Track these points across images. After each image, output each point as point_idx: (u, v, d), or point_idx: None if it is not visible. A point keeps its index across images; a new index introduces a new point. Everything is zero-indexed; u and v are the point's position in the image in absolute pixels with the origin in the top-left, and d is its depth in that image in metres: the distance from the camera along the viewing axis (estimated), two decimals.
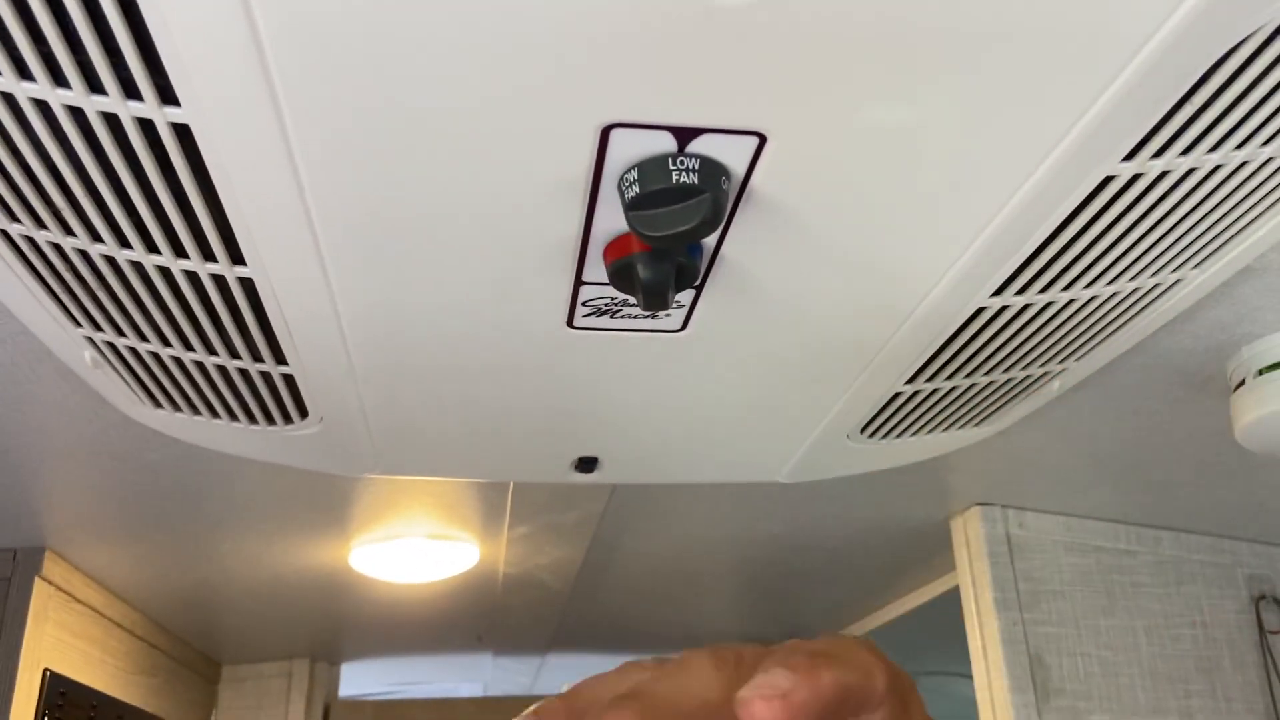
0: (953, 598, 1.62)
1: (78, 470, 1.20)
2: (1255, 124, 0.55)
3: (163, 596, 1.80)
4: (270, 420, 0.91)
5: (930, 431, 1.03)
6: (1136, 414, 1.11)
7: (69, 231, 0.63)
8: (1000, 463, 1.31)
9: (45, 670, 1.46)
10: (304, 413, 0.89)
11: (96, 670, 1.66)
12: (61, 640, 1.53)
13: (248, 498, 1.34)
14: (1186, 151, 0.56)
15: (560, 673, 2.91)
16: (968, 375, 0.87)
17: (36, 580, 1.44)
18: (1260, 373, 0.91)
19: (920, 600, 1.88)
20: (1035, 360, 0.86)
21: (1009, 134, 0.50)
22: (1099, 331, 0.82)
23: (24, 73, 0.49)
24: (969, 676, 1.46)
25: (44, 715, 1.45)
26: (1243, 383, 0.94)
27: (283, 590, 1.82)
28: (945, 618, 1.93)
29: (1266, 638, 1.44)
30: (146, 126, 0.52)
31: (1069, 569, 1.43)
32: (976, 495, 1.44)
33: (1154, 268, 0.71)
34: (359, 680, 2.84)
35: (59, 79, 0.49)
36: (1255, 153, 0.58)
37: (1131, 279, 0.72)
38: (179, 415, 0.93)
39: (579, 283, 0.65)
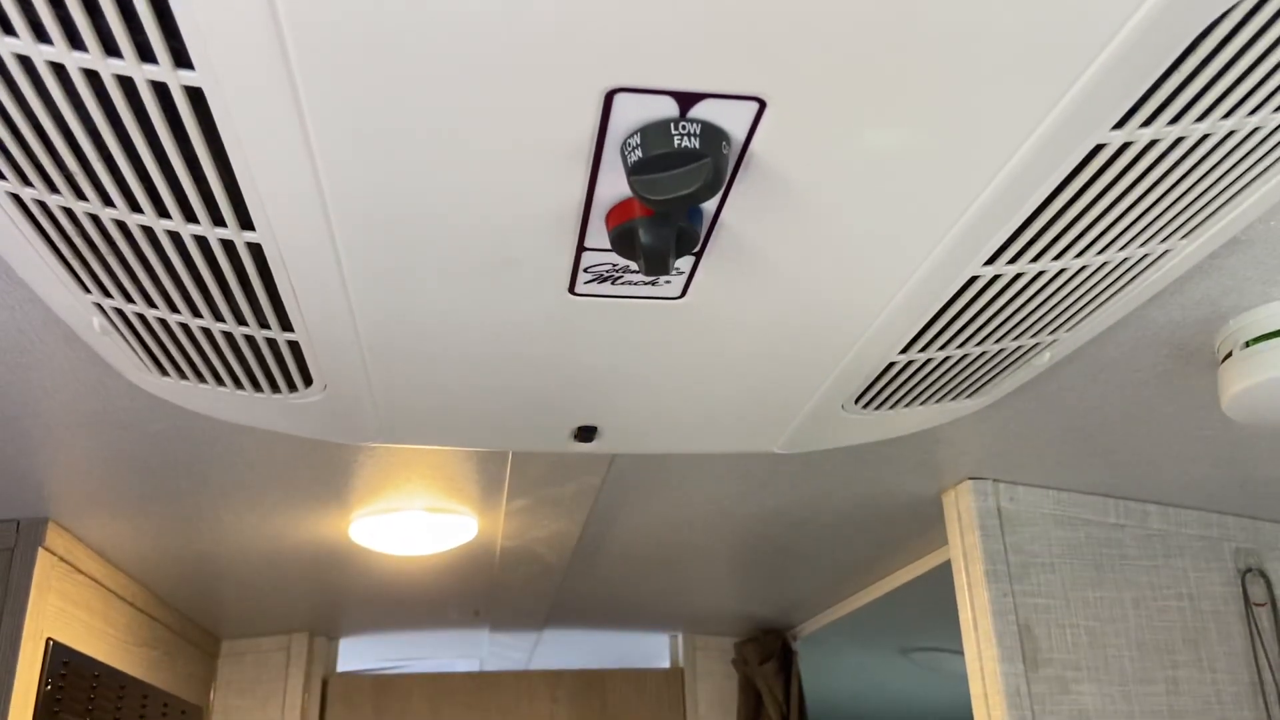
0: (944, 574, 1.64)
1: (82, 441, 1.21)
2: (1242, 93, 0.56)
3: (163, 569, 1.81)
4: (275, 388, 0.93)
5: (924, 402, 1.05)
6: (1125, 387, 1.12)
7: (80, 195, 0.64)
8: (991, 437, 1.33)
9: (48, 640, 1.48)
10: (308, 380, 0.90)
11: (98, 641, 1.68)
12: (64, 610, 1.55)
13: (249, 470, 1.36)
14: (1175, 120, 0.58)
15: (556, 648, 2.94)
16: (960, 345, 0.89)
17: (40, 551, 1.46)
18: (1247, 344, 0.93)
19: (913, 574, 1.91)
20: (1027, 330, 0.87)
21: (1000, 102, 0.52)
22: (1089, 302, 0.83)
23: (41, 36, 0.50)
24: (960, 652, 1.48)
25: (47, 684, 1.47)
26: (1230, 354, 0.95)
27: (283, 564, 1.83)
28: (937, 593, 1.95)
29: (1252, 610, 1.47)
30: (160, 90, 0.53)
31: (1058, 542, 1.45)
32: (968, 469, 1.46)
33: (1143, 237, 0.73)
34: (357, 655, 2.87)
35: (75, 42, 0.50)
36: (1242, 122, 0.59)
37: (1121, 249, 0.74)
38: (184, 383, 0.95)
39: (581, 249, 0.66)
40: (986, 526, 1.44)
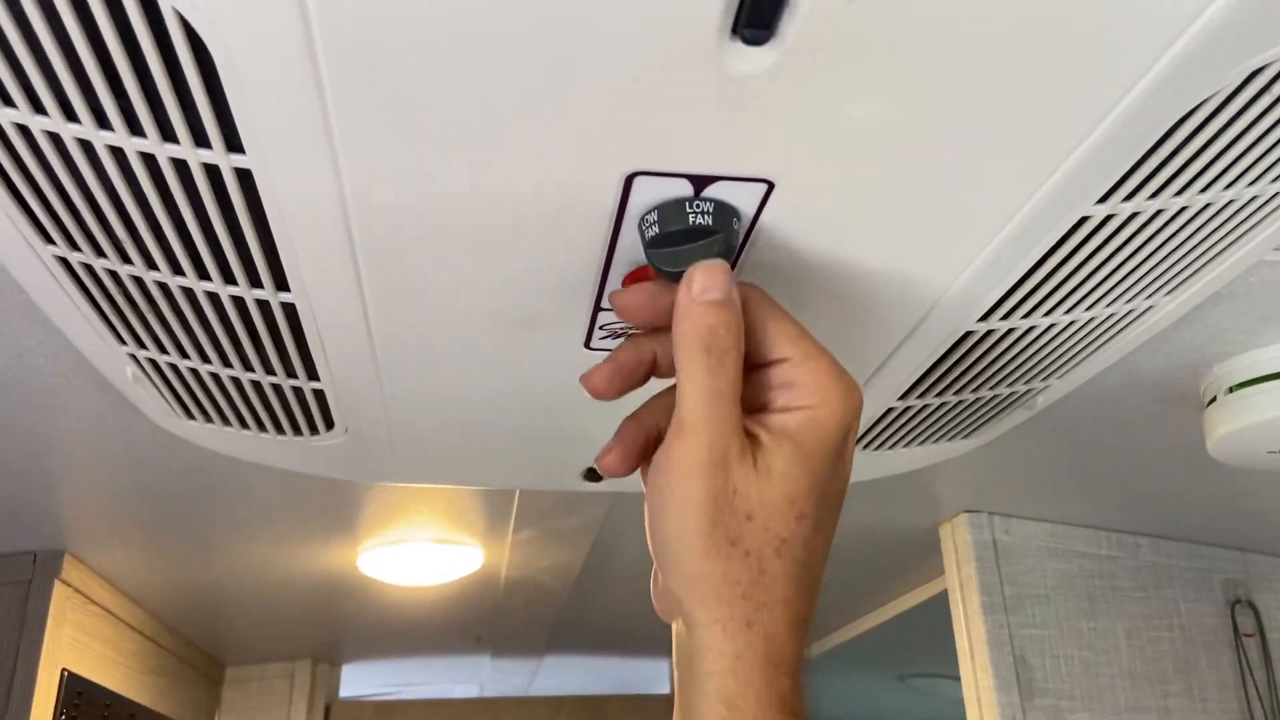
0: (941, 602, 1.67)
1: (102, 477, 1.25)
2: (1217, 170, 0.61)
3: (173, 598, 1.85)
4: (297, 431, 0.96)
5: (921, 444, 1.09)
6: (1115, 427, 1.16)
7: (126, 259, 0.68)
8: (987, 472, 1.36)
9: (63, 670, 1.51)
10: (330, 424, 0.94)
11: (109, 670, 1.71)
12: (78, 641, 1.58)
13: (263, 504, 1.39)
14: (1155, 195, 0.62)
15: (556, 674, 2.96)
16: (956, 392, 0.93)
17: (56, 583, 1.49)
18: (1231, 390, 0.97)
19: (910, 603, 1.94)
20: (1019, 378, 0.91)
21: (994, 186, 0.56)
22: (1079, 352, 0.87)
23: (103, 123, 0.54)
24: (956, 678, 1.52)
25: (62, 714, 1.49)
26: (1215, 399, 0.99)
27: (291, 593, 1.87)
28: (934, 621, 1.99)
29: (1241, 640, 1.50)
30: (210, 170, 0.57)
31: (1052, 574, 1.49)
32: (964, 503, 1.50)
33: (1128, 295, 0.77)
34: (358, 681, 2.89)
35: (135, 129, 0.54)
36: (1218, 195, 0.64)
37: (1108, 305, 0.78)
38: (210, 426, 0.98)
39: (597, 309, 0.70)
40: (982, 559, 1.47)
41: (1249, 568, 1.55)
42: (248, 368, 0.83)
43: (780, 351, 0.55)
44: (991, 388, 0.93)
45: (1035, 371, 0.90)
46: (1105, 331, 0.84)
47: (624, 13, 0.43)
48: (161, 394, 0.92)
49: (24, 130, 0.55)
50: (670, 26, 0.44)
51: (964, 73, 0.47)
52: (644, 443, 0.59)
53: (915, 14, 0.43)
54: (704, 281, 0.53)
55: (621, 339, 0.75)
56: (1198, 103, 0.52)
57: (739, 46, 0.45)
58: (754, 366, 0.55)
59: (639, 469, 0.60)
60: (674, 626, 0.57)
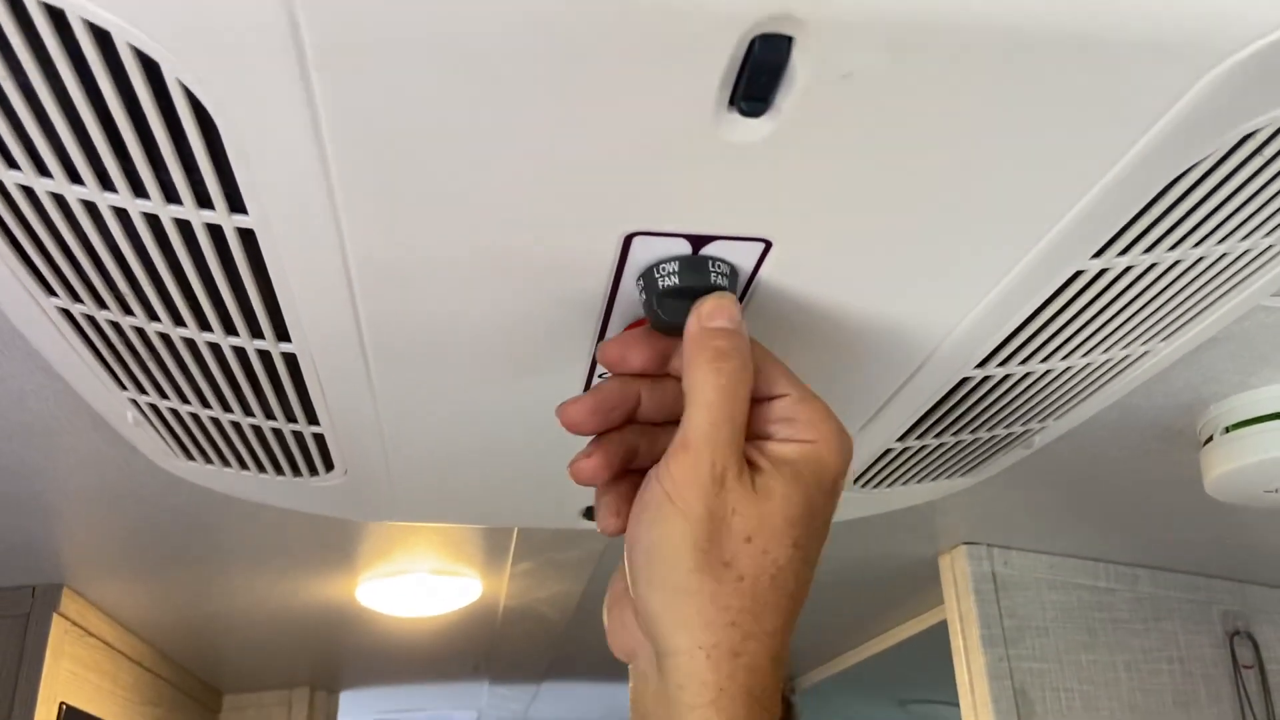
0: (942, 630, 1.67)
1: (101, 513, 1.25)
2: (1211, 226, 0.61)
3: (171, 629, 1.84)
4: (297, 472, 0.97)
5: (920, 481, 1.09)
6: (1113, 464, 1.17)
7: (128, 311, 0.68)
8: (986, 505, 1.37)
9: (61, 704, 1.50)
10: (330, 466, 0.94)
11: (106, 702, 1.70)
12: (75, 674, 1.57)
13: (262, 537, 1.39)
14: (1150, 250, 0.63)
15: (555, 700, 2.95)
16: (954, 434, 0.93)
17: (54, 616, 1.49)
18: (1228, 430, 0.98)
19: (910, 632, 1.94)
20: (1016, 420, 0.92)
21: (988, 245, 0.57)
22: (1075, 395, 0.88)
23: (106, 184, 0.55)
24: (956, 704, 1.51)
25: None
26: (1211, 438, 1.00)
27: (289, 623, 1.86)
28: (934, 649, 1.98)
29: (1240, 672, 1.50)
30: (213, 229, 0.58)
31: (1052, 606, 1.49)
32: (964, 534, 1.50)
33: (1124, 342, 0.77)
34: (357, 707, 2.88)
35: (138, 190, 0.55)
36: (1211, 249, 0.64)
37: (1104, 352, 0.78)
38: (209, 467, 0.98)
39: (595, 364, 0.71)
40: (981, 591, 1.47)
41: (1247, 599, 1.55)
42: (248, 413, 0.83)
43: (780, 388, 0.56)
44: (989, 429, 0.93)
45: (1032, 414, 0.91)
46: (1102, 376, 0.84)
47: (623, 84, 0.44)
48: (161, 436, 0.92)
49: (28, 190, 0.56)
50: (668, 98, 0.45)
51: (958, 142, 0.48)
52: (623, 456, 0.59)
53: (910, 87, 0.44)
54: (714, 308, 0.54)
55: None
56: (1191, 164, 0.53)
57: (736, 118, 0.46)
58: (753, 400, 0.55)
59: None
60: (632, 669, 0.56)
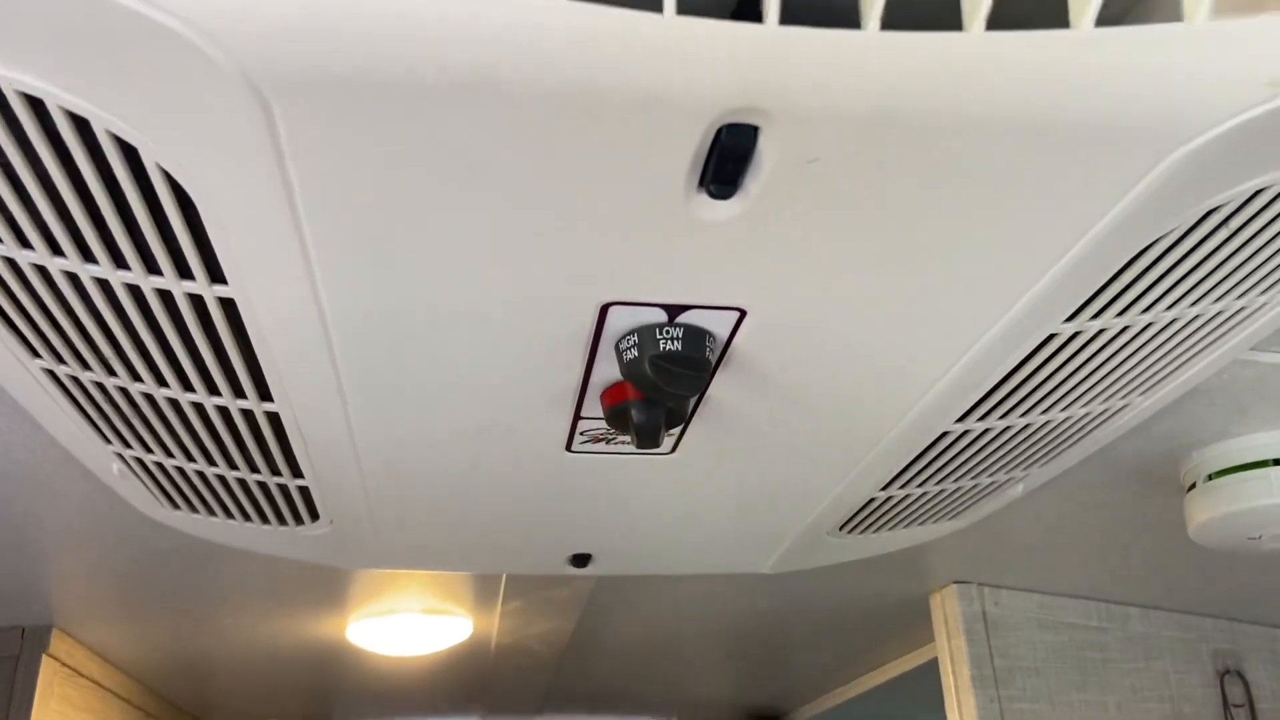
0: (932, 666, 1.67)
1: (90, 556, 1.25)
2: (1182, 291, 0.62)
3: (162, 668, 1.83)
4: (283, 522, 0.97)
5: (906, 526, 1.09)
6: (1098, 509, 1.17)
7: (112, 373, 0.69)
8: (975, 545, 1.37)
9: None
10: (315, 516, 0.95)
11: None
12: (65, 714, 1.56)
13: (251, 579, 1.39)
14: (1122, 313, 0.63)
15: None
16: (938, 483, 0.93)
17: (44, 657, 1.48)
18: (1210, 477, 0.98)
19: (902, 669, 1.93)
20: (999, 469, 0.92)
21: (962, 313, 0.57)
22: (1056, 446, 0.88)
23: (88, 256, 0.55)
24: None
25: None
26: (1194, 485, 1.00)
27: (280, 662, 1.85)
28: (925, 685, 1.98)
29: (1231, 711, 1.50)
30: (194, 298, 0.58)
31: (1043, 646, 1.49)
32: (953, 573, 1.50)
33: (1101, 397, 0.78)
34: None
35: (119, 262, 0.55)
36: (1183, 311, 0.65)
37: (1082, 406, 0.79)
38: (195, 516, 0.99)
39: (577, 418, 0.71)
40: (972, 631, 1.47)
41: (1237, 638, 1.55)
42: (232, 467, 0.84)
43: None
44: (972, 478, 0.94)
45: (1014, 463, 0.91)
46: (1082, 428, 0.85)
47: (594, 168, 0.44)
48: (147, 487, 0.92)
49: (9, 261, 0.56)
50: (639, 181, 0.45)
51: (924, 219, 0.49)
52: None
53: (875, 170, 0.45)
54: None
55: (602, 442, 0.76)
56: (1157, 237, 0.54)
57: (705, 199, 0.47)
58: None
59: None
60: None
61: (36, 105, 0.44)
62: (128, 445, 0.82)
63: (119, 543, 1.19)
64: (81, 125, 0.45)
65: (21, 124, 0.45)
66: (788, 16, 0.38)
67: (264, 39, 0.36)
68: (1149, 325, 0.66)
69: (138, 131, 0.44)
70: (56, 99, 0.42)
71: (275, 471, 0.84)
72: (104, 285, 0.57)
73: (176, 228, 0.51)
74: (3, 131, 0.46)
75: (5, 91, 0.43)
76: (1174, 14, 0.42)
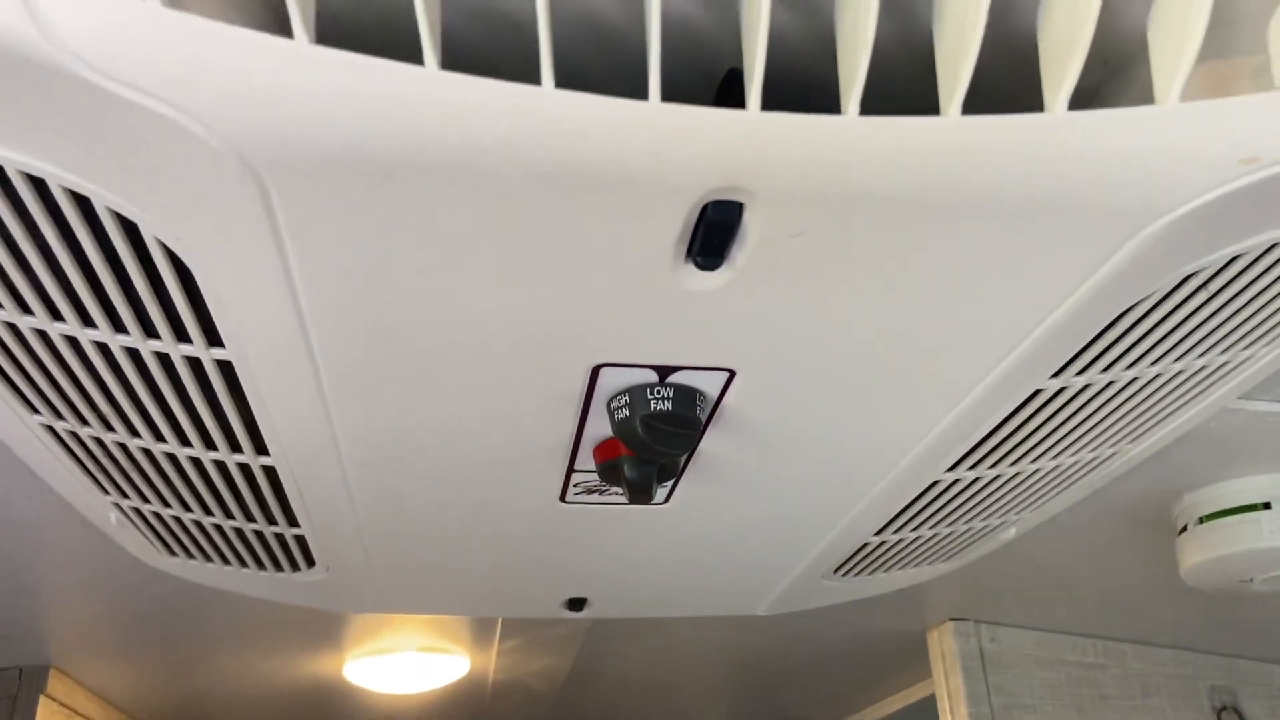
0: (930, 702, 1.66)
1: (88, 600, 1.25)
2: (1166, 348, 0.63)
3: (159, 706, 1.83)
4: (279, 568, 0.97)
5: (900, 569, 1.10)
6: (1091, 549, 1.18)
7: (110, 428, 0.70)
8: (970, 582, 1.37)
9: None
10: (311, 563, 0.95)
11: None
12: None
13: (249, 620, 1.39)
14: (1107, 369, 0.64)
15: None
16: (930, 527, 0.94)
17: (41, 698, 1.48)
18: (1201, 520, 0.99)
19: (899, 705, 1.92)
20: (991, 514, 0.93)
21: (946, 374, 0.58)
22: (1046, 492, 0.89)
23: (87, 321, 0.56)
24: None
25: None
26: (1186, 528, 1.01)
27: (278, 699, 1.85)
28: (924, 719, 1.97)
29: None
30: (192, 360, 0.59)
31: (1040, 683, 1.48)
32: (950, 610, 1.50)
33: (1090, 446, 0.79)
34: None
35: (118, 326, 0.56)
36: (1167, 367, 0.66)
37: (1071, 455, 0.80)
38: (192, 562, 0.99)
39: (571, 470, 0.72)
40: (969, 668, 1.47)
41: (1234, 674, 1.55)
42: (229, 516, 0.84)
43: None
44: (965, 523, 0.94)
45: (1006, 509, 0.92)
46: (1072, 475, 0.85)
47: (585, 243, 0.45)
48: (145, 535, 0.93)
49: (10, 325, 0.57)
50: (629, 254, 0.46)
51: (906, 288, 0.49)
52: None
53: (858, 243, 0.46)
54: None
55: (596, 493, 0.77)
56: (1136, 300, 0.55)
57: (693, 270, 0.48)
58: None
59: None
60: None
61: (38, 184, 0.45)
62: (125, 496, 0.83)
63: (115, 586, 1.20)
64: (82, 202, 0.46)
65: (23, 200, 0.46)
66: (769, 102, 0.39)
67: (260, 125, 0.37)
68: (1134, 380, 0.66)
69: (138, 209, 0.45)
70: (59, 179, 0.43)
71: (271, 521, 0.85)
72: (103, 348, 0.58)
73: (175, 296, 0.52)
74: (4, 206, 0.47)
75: (9, 172, 0.44)
76: (1144, 90, 0.44)
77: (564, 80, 0.38)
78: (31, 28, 0.35)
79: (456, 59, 0.43)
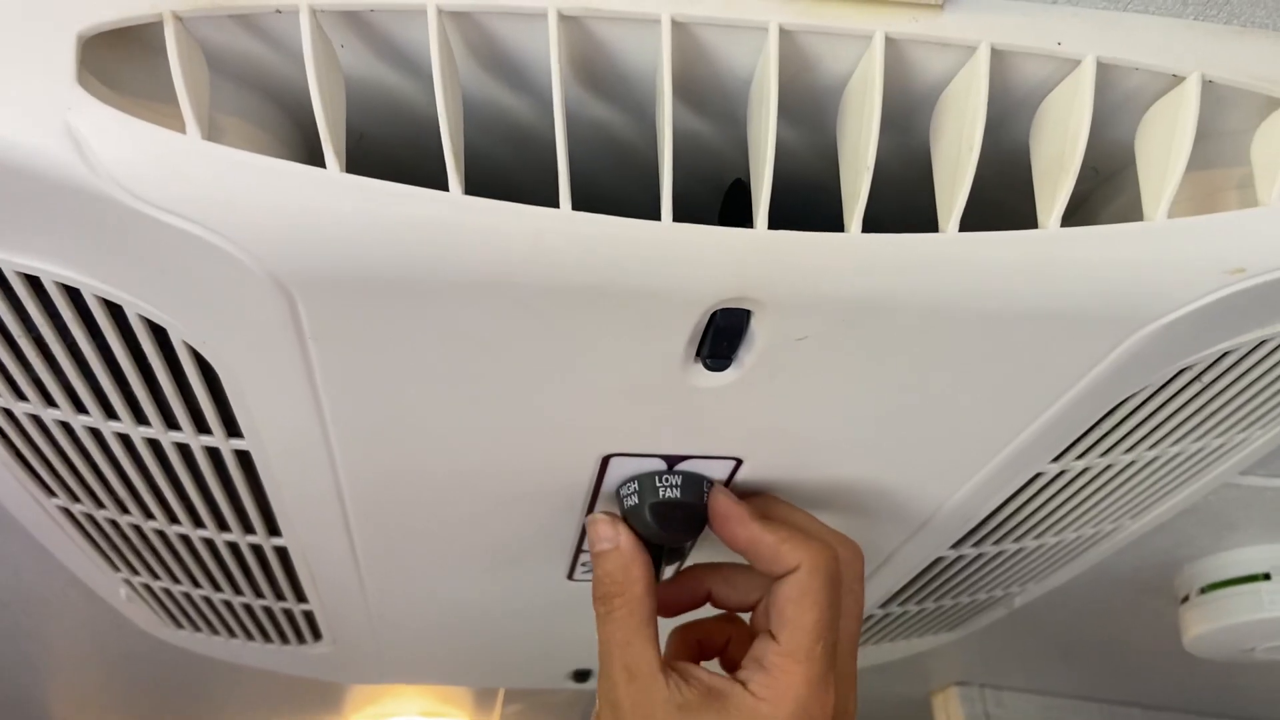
0: None
1: (91, 670, 1.25)
2: (1163, 433, 0.64)
3: None
4: (285, 641, 0.98)
5: (905, 638, 1.10)
6: (1095, 616, 1.18)
7: (125, 511, 0.71)
8: (975, 647, 1.37)
9: None
10: (318, 636, 0.96)
11: None
12: None
13: (251, 687, 1.39)
14: (1106, 454, 0.66)
15: None
16: (935, 600, 0.95)
17: None
18: (1203, 590, 0.99)
19: None
20: (995, 586, 0.94)
21: (947, 463, 0.60)
22: (1049, 565, 0.90)
23: (111, 414, 0.58)
24: None
25: None
26: (1187, 597, 1.01)
27: None
28: None
29: None
30: (210, 450, 0.61)
31: None
32: (955, 675, 1.50)
33: (1092, 523, 0.80)
34: None
35: (140, 418, 0.58)
36: (1164, 450, 0.67)
37: (1074, 531, 0.81)
38: (198, 635, 1.00)
39: (579, 550, 0.73)
40: None
41: None
42: (238, 593, 0.85)
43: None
44: (969, 595, 0.95)
45: (1009, 580, 0.93)
46: (1073, 549, 0.86)
47: (597, 347, 0.47)
48: (153, 610, 0.93)
49: (34, 418, 0.59)
50: (639, 357, 0.48)
51: (909, 385, 0.51)
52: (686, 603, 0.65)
53: (863, 346, 0.47)
54: (590, 536, 0.60)
55: None
56: (1131, 393, 0.56)
57: (701, 370, 0.49)
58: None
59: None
60: None
61: (73, 292, 0.47)
62: (136, 573, 0.83)
63: (120, 657, 1.20)
64: (114, 309, 0.47)
65: (57, 307, 0.47)
66: (775, 222, 0.41)
67: (292, 248, 0.39)
68: (1132, 463, 0.68)
69: (169, 316, 0.46)
70: (94, 289, 0.45)
71: (280, 597, 0.85)
72: (124, 438, 0.60)
73: (198, 393, 0.53)
74: (37, 312, 0.48)
75: (45, 282, 0.45)
76: (1134, 198, 0.46)
77: (577, 185, 0.40)
78: (76, 158, 0.37)
79: (470, 168, 0.45)
